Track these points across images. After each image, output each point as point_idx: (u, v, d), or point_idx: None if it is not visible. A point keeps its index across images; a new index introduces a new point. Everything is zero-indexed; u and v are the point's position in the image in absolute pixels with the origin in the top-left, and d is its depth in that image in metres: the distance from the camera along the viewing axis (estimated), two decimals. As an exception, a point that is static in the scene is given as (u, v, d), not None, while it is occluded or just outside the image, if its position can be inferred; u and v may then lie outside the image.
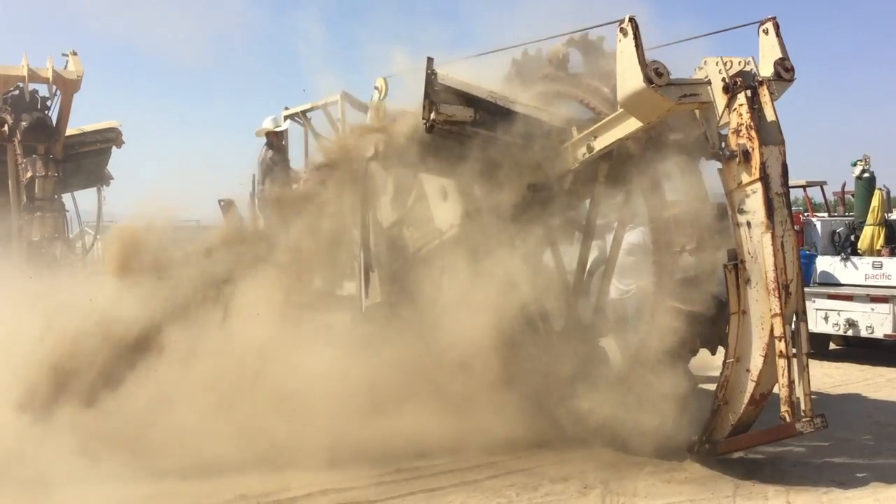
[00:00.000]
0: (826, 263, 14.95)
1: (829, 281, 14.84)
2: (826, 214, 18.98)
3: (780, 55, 7.67)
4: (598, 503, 7.30)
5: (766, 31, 7.78)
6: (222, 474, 7.90)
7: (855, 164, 16.67)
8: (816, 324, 14.12)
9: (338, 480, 7.83)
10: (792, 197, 24.72)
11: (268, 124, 12.84)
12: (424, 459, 8.40)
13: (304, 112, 13.26)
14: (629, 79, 7.45)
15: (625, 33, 7.43)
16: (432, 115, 8.53)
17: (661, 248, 8.72)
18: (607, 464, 8.34)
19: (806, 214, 18.12)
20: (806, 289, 13.92)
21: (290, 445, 8.36)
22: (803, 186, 20.90)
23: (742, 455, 8.27)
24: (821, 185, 20.12)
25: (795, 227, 15.23)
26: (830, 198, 20.57)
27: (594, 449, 8.67)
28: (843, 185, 20.12)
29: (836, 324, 14.08)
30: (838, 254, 15.16)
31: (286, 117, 13.28)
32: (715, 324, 8.43)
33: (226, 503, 7.31)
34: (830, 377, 12.94)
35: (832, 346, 15.46)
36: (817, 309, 14.18)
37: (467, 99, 8.82)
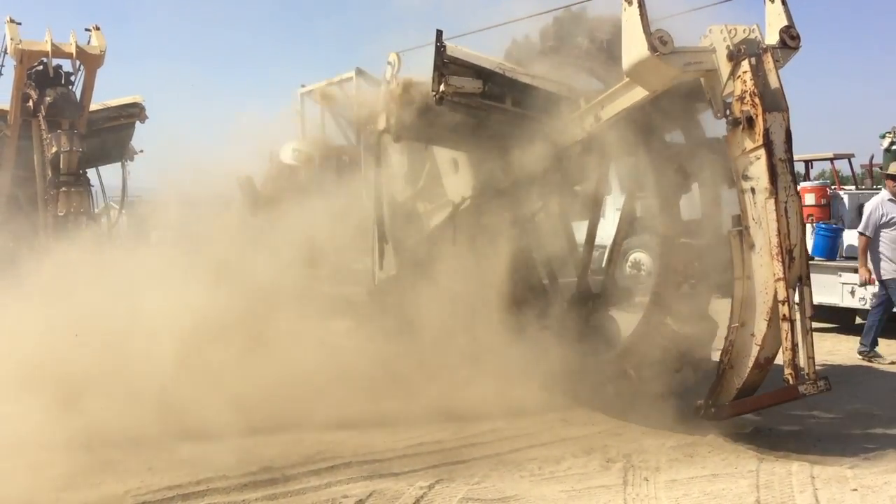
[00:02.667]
0: (853, 237, 14.72)
1: (855, 255, 14.63)
2: (853, 187, 18.76)
3: (785, 23, 7.60)
4: (620, 477, 7.24)
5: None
6: (247, 446, 7.96)
7: (883, 137, 16.51)
8: (843, 298, 14.01)
9: (361, 453, 7.85)
10: (819, 170, 24.35)
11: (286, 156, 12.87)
12: (446, 433, 8.44)
13: (321, 91, 13.37)
14: (634, 47, 7.42)
15: (629, 2, 7.39)
16: (441, 87, 8.59)
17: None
18: (630, 438, 8.31)
19: (833, 188, 17.90)
20: (832, 263, 13.95)
21: (311, 417, 8.49)
22: (831, 159, 20.71)
23: (766, 428, 8.30)
24: (848, 157, 19.93)
25: (822, 201, 15.29)
26: (858, 171, 20.36)
27: (617, 422, 8.69)
28: (871, 158, 19.94)
29: (863, 298, 13.91)
30: (866, 227, 14.92)
31: (302, 95, 13.44)
32: None
33: (249, 474, 7.33)
34: (856, 352, 12.79)
35: (858, 320, 15.29)
36: (843, 283, 14.02)
37: (476, 71, 8.87)
